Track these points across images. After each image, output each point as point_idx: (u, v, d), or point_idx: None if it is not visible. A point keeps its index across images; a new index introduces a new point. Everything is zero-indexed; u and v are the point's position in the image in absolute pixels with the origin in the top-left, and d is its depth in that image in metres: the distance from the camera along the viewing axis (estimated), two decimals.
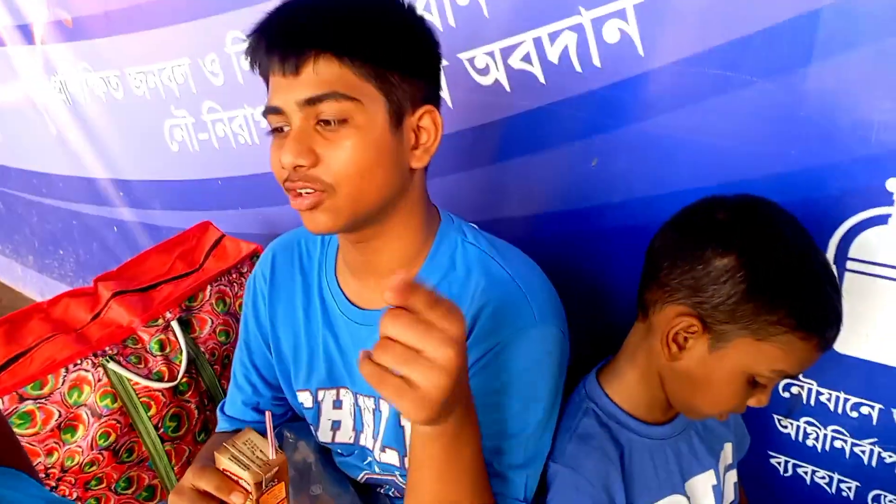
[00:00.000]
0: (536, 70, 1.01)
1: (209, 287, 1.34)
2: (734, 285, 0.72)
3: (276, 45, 0.71)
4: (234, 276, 1.38)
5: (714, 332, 0.75)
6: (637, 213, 0.99)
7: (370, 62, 0.70)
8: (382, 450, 0.89)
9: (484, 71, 1.06)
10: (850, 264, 0.84)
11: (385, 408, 0.87)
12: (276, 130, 0.75)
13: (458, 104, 1.13)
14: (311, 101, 0.70)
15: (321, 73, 0.69)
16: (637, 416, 0.85)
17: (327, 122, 0.70)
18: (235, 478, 0.70)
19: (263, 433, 0.72)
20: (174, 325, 1.26)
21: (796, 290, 0.72)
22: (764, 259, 0.72)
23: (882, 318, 0.85)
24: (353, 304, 0.86)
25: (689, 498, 0.88)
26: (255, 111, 1.43)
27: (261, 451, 0.71)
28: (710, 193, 0.78)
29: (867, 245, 0.83)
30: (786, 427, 1.00)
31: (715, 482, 0.91)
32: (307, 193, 0.72)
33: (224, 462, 0.70)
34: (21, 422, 1.10)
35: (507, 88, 1.05)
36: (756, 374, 0.76)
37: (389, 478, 0.92)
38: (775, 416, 1.00)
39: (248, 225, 1.60)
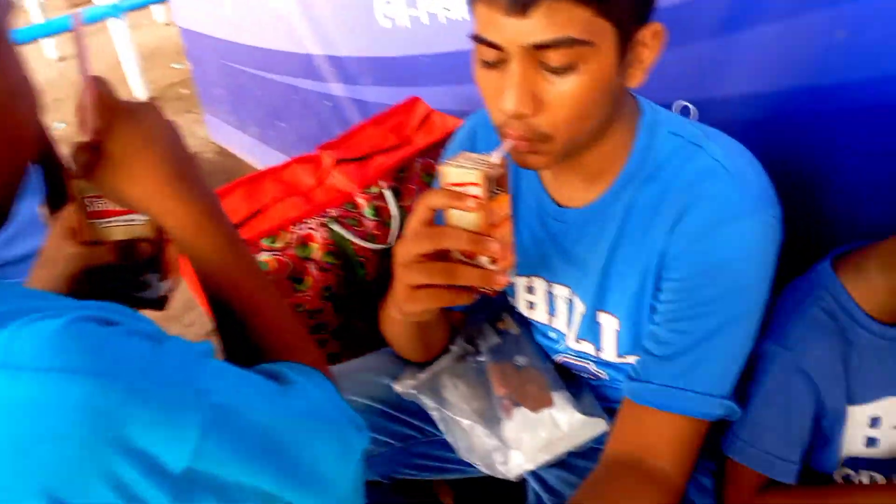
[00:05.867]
0: None
1: (418, 159, 1.41)
2: None
3: None
4: (440, 150, 1.44)
5: None
6: (888, 91, 0.88)
7: None
8: (577, 340, 0.92)
9: None
10: None
11: (579, 302, 0.88)
12: (485, 61, 0.68)
13: None
14: (540, 47, 0.63)
15: (554, 14, 0.61)
16: (875, 317, 0.81)
17: (550, 64, 0.65)
18: (462, 186, 0.65)
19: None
20: (387, 193, 1.35)
21: None
22: None
23: None
24: (551, 197, 0.85)
25: None
26: None
27: (483, 160, 0.66)
28: None
29: None
30: None
31: None
32: (523, 142, 0.69)
33: (450, 173, 0.66)
34: None
35: None
36: None
37: (583, 364, 0.95)
38: None
39: (452, 101, 1.63)
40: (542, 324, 0.97)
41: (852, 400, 0.83)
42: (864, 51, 0.89)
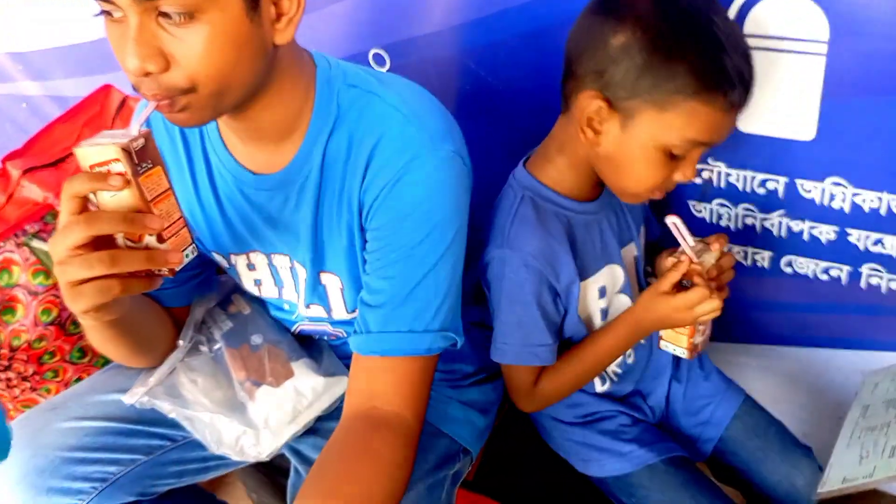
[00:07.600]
0: None
1: None
2: (630, 59, 0.73)
3: None
4: None
5: (620, 109, 0.76)
6: (538, 13, 0.95)
7: None
8: (307, 307, 0.91)
9: None
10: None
11: (300, 268, 0.87)
12: (106, 12, 0.64)
13: None
14: None
15: None
16: (570, 197, 0.89)
17: (169, 15, 0.61)
18: (104, 165, 0.61)
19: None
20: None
21: (691, 55, 0.72)
22: (655, 29, 0.72)
23: (781, 92, 0.85)
24: (245, 168, 0.81)
25: (624, 267, 0.95)
26: None
27: (124, 134, 0.62)
28: None
29: (761, 19, 0.81)
30: (700, 211, 1.03)
31: (636, 252, 0.98)
32: (164, 102, 0.65)
33: (87, 154, 0.61)
34: None
35: None
36: (669, 145, 0.77)
37: (321, 328, 0.95)
38: (689, 202, 1.03)
39: None
40: (273, 298, 0.95)
41: (583, 275, 0.91)
42: None
